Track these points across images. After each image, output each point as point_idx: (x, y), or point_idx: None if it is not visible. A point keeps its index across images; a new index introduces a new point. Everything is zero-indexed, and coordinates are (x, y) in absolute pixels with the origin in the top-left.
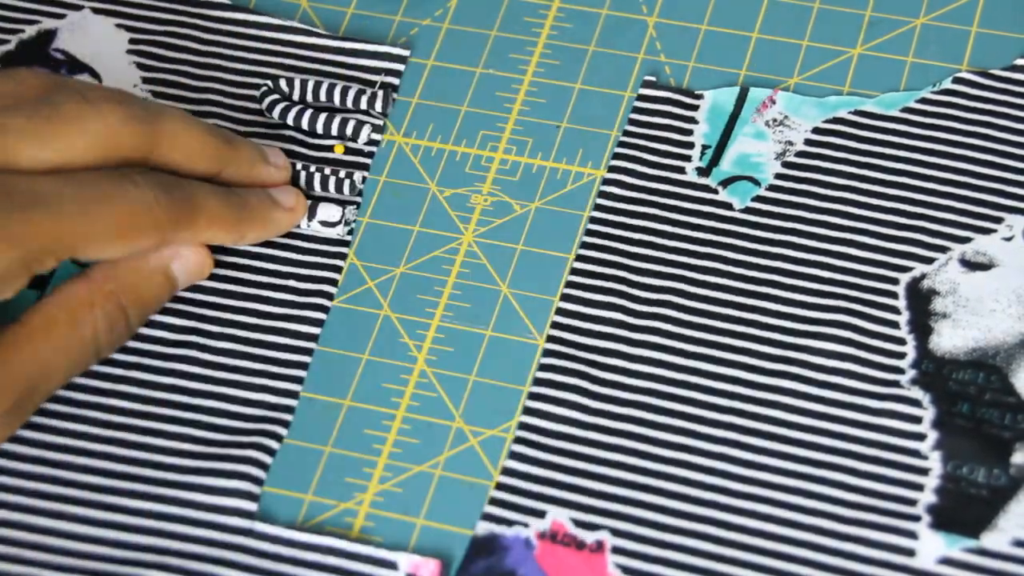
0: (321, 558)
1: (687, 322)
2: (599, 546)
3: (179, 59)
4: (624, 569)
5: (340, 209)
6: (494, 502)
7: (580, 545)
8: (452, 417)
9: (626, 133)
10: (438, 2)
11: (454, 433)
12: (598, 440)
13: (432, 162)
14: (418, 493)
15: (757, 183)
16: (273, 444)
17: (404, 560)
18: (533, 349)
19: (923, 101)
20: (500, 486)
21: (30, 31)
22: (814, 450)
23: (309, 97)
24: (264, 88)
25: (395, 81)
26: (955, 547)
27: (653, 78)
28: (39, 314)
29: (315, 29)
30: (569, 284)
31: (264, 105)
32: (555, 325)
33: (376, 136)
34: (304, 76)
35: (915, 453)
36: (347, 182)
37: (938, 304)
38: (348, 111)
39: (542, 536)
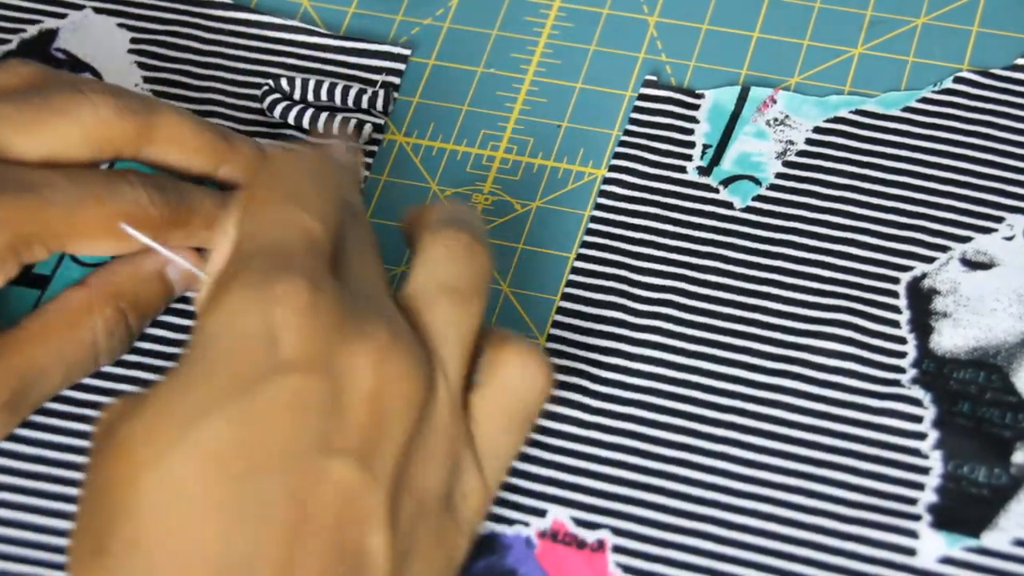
0: None
1: (688, 321)
2: (600, 545)
3: (180, 59)
4: (625, 568)
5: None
6: (494, 501)
7: (581, 544)
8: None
9: (627, 132)
10: (439, 1)
11: None
12: (599, 439)
13: (433, 161)
14: None
15: (758, 182)
16: None
17: None
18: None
19: (924, 101)
20: (501, 485)
21: (32, 30)
22: (815, 449)
23: (310, 96)
24: (265, 87)
25: (396, 80)
26: (956, 546)
27: (654, 77)
28: (37, 318)
29: (316, 28)
30: (570, 283)
31: (265, 104)
32: (556, 324)
33: (377, 135)
34: (305, 76)
35: (916, 452)
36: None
37: (939, 303)
38: (349, 110)
39: (543, 535)
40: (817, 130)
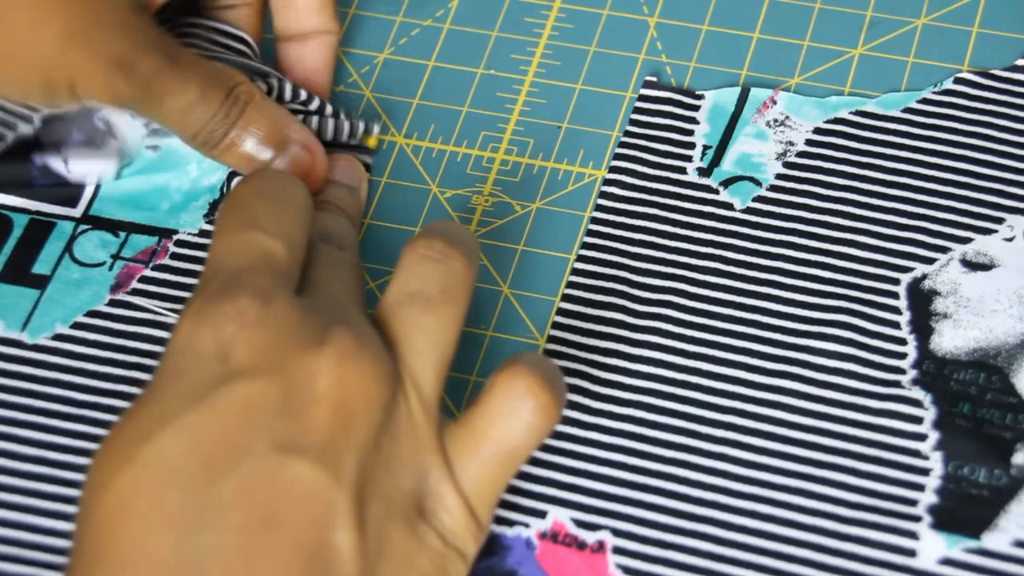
0: None
1: (688, 322)
2: (600, 546)
3: None
4: (625, 569)
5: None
6: None
7: (581, 545)
8: (454, 418)
9: (627, 133)
10: (439, 2)
11: None
12: (599, 440)
13: (433, 163)
14: None
15: (758, 183)
16: None
17: None
18: (534, 349)
19: (924, 101)
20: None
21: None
22: (815, 450)
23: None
24: None
25: (367, 160)
26: (956, 547)
27: (654, 78)
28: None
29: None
30: (570, 284)
31: None
32: (556, 325)
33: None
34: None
35: (916, 453)
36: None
37: (939, 304)
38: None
39: (543, 536)
40: (817, 131)
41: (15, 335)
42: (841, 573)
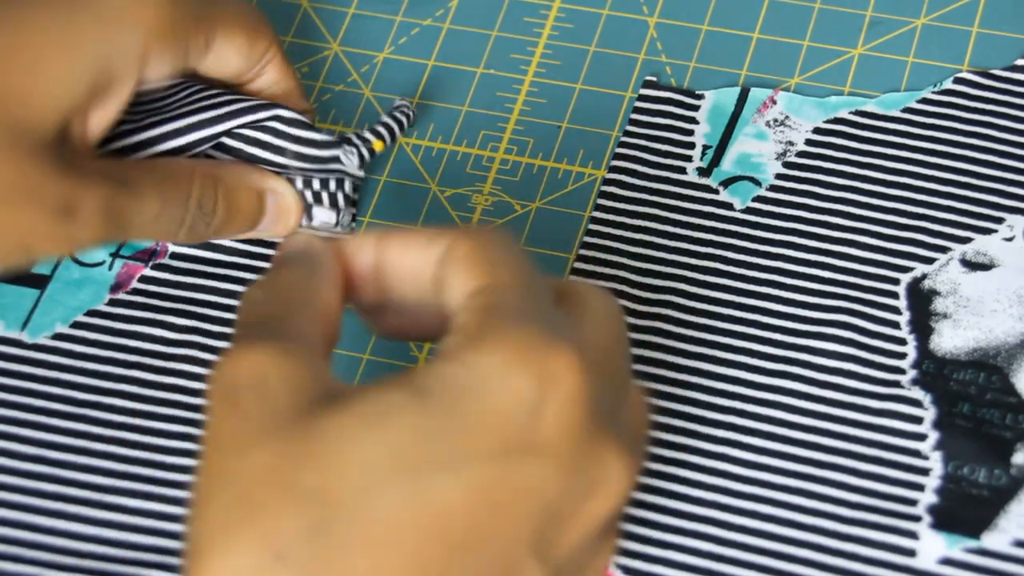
0: None
1: (688, 322)
2: None
3: None
4: (625, 569)
5: (334, 213)
6: None
7: None
8: None
9: (627, 133)
10: (439, 2)
11: None
12: None
13: (433, 162)
14: None
15: (758, 183)
16: None
17: None
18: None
19: (924, 101)
20: None
21: None
22: (815, 450)
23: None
24: None
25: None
26: (956, 547)
27: (654, 78)
28: (142, 160)
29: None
30: None
31: None
32: None
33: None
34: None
35: (916, 453)
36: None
37: (939, 304)
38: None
39: None
40: (817, 131)
41: (15, 335)
42: (841, 573)
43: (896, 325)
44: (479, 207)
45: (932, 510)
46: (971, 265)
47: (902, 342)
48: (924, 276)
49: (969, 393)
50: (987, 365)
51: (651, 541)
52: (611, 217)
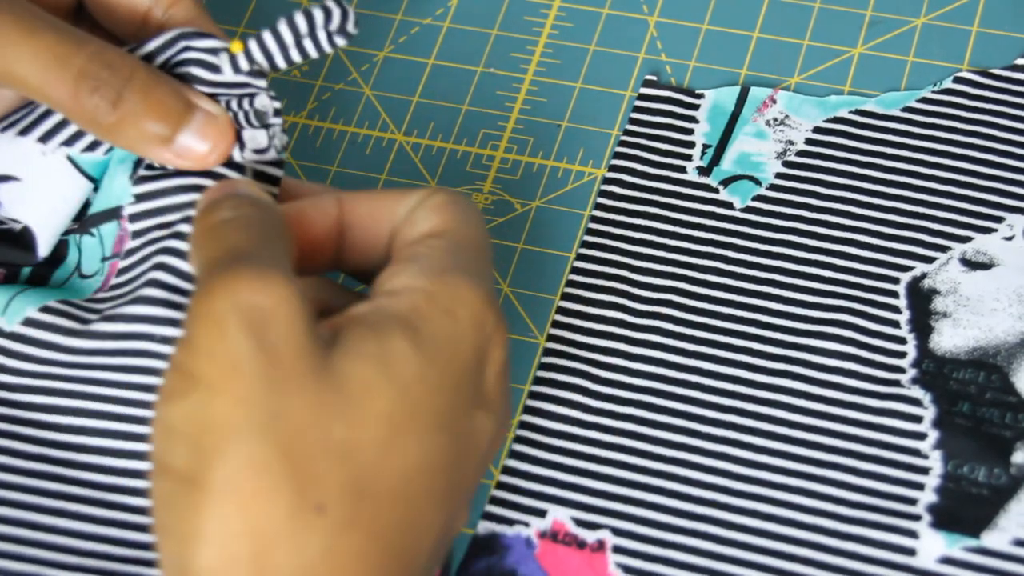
0: None
1: (688, 321)
2: (600, 545)
3: None
4: (625, 568)
5: (265, 132)
6: (495, 501)
7: (581, 544)
8: None
9: (627, 132)
10: (439, 1)
11: None
12: (599, 439)
13: (433, 161)
14: None
15: (758, 182)
16: None
17: None
18: (534, 348)
19: (924, 101)
20: (501, 485)
21: None
22: (815, 449)
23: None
24: None
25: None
26: (956, 546)
27: (654, 77)
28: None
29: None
30: (570, 283)
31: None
32: (556, 324)
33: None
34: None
35: (916, 452)
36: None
37: (939, 303)
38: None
39: (543, 535)
40: (817, 130)
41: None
42: (841, 572)
43: (896, 324)
44: (479, 206)
45: (932, 509)
46: (971, 264)
47: (902, 341)
48: (924, 275)
49: (969, 392)
50: (987, 364)
51: (651, 540)
52: (611, 216)
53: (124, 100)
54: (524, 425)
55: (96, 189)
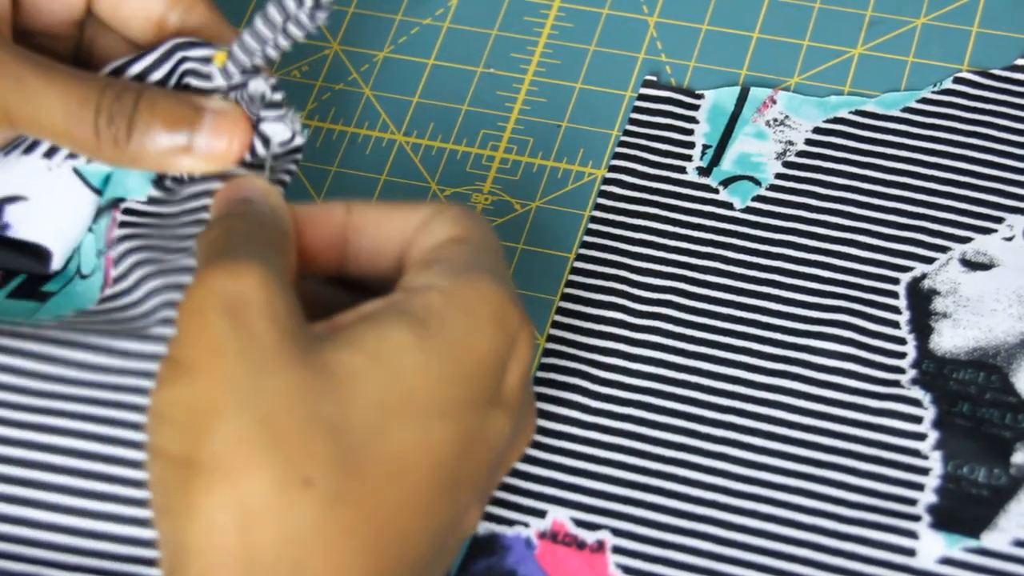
0: None
1: (688, 322)
2: (600, 546)
3: None
4: (625, 569)
5: (280, 120)
6: (495, 502)
7: (581, 545)
8: None
9: (627, 133)
10: (439, 1)
11: None
12: (599, 440)
13: (433, 161)
14: None
15: (758, 183)
16: None
17: None
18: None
19: (924, 101)
20: (501, 485)
21: None
22: (815, 450)
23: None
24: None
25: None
26: (955, 547)
27: (654, 78)
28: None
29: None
30: (570, 284)
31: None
32: (556, 325)
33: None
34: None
35: (916, 453)
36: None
37: (939, 304)
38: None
39: (543, 536)
40: (817, 130)
41: None
42: (841, 572)
43: (896, 325)
44: (479, 206)
45: (932, 510)
46: (971, 265)
47: (902, 342)
48: (924, 276)
49: (969, 393)
50: (987, 365)
51: (651, 540)
52: (611, 216)
53: (136, 123)
54: None
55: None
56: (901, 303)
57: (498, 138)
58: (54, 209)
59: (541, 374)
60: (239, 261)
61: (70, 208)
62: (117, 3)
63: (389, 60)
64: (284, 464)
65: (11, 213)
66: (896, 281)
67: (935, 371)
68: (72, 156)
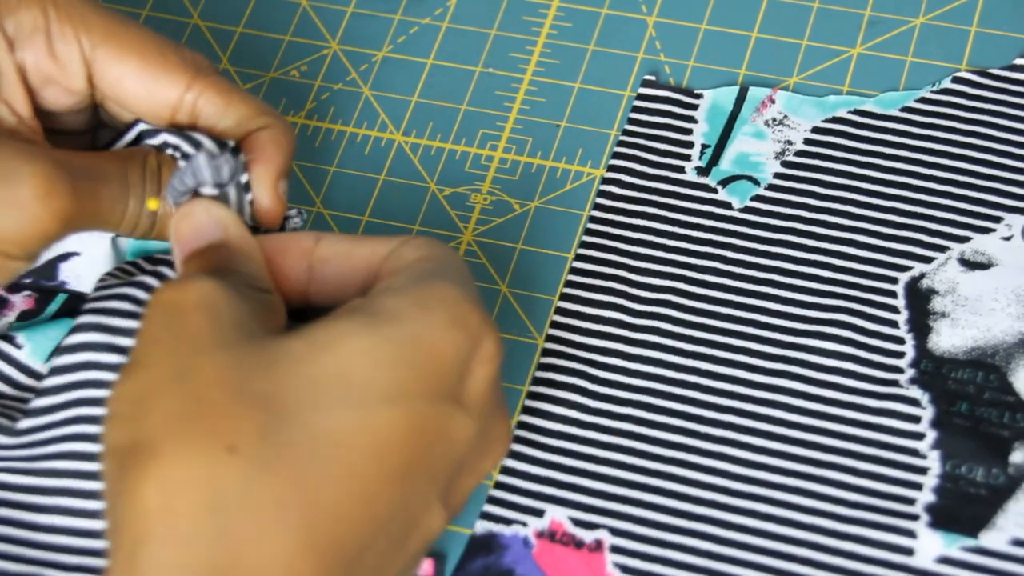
0: None
1: (686, 321)
2: (598, 545)
3: None
4: (623, 568)
5: (214, 159)
6: (493, 501)
7: (579, 544)
8: None
9: (626, 132)
10: (438, 1)
11: None
12: (597, 439)
13: (432, 161)
14: None
15: (756, 182)
16: None
17: None
18: (532, 349)
19: (922, 101)
20: (499, 485)
21: None
22: (813, 449)
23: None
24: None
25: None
26: (954, 546)
27: (653, 77)
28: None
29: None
30: (569, 284)
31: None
32: (554, 325)
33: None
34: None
35: (914, 452)
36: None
37: (937, 303)
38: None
39: (540, 535)
40: (815, 130)
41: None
42: (840, 572)
43: (894, 324)
44: (478, 206)
45: (930, 509)
46: (969, 264)
47: (900, 341)
48: (922, 275)
49: (967, 392)
50: (985, 364)
51: (649, 540)
52: (610, 216)
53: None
54: (522, 425)
55: None
56: (900, 303)
57: (497, 138)
58: (95, 258)
59: (540, 374)
60: (184, 278)
61: (103, 252)
62: (121, 102)
63: (388, 60)
64: (208, 434)
65: (65, 271)
66: (895, 280)
67: (933, 370)
68: None
